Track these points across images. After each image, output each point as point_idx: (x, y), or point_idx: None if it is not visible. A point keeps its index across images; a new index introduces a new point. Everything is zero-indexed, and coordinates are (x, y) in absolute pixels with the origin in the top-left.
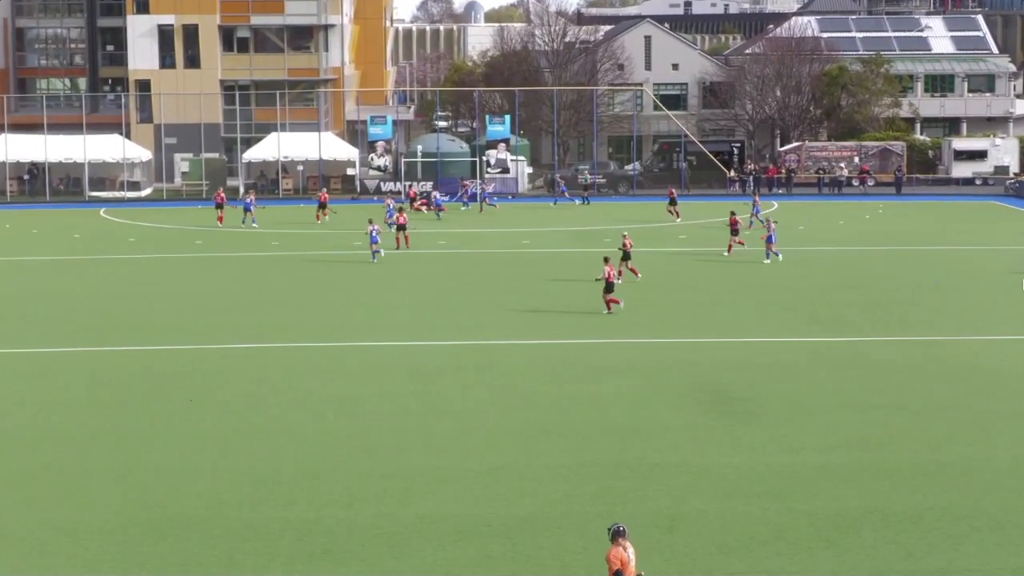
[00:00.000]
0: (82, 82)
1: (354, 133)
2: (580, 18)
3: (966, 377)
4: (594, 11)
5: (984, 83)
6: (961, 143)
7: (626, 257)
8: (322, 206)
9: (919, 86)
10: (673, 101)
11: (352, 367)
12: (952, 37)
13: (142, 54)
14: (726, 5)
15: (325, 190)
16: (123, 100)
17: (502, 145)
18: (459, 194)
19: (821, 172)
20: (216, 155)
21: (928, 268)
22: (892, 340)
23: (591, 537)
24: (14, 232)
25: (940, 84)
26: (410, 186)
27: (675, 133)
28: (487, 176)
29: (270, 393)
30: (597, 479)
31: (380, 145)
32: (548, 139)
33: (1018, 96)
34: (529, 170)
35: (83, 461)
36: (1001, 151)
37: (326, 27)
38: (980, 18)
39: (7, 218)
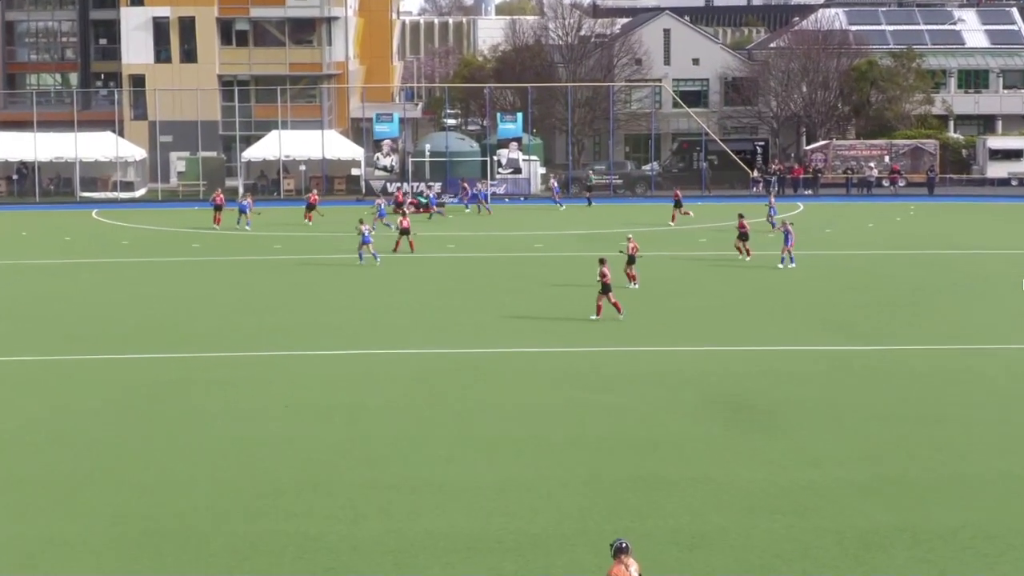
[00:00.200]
0: (73, 77)
1: (359, 131)
2: (596, 10)
3: (996, 387)
4: (610, 3)
5: (1020, 79)
6: (996, 142)
7: (631, 261)
8: (310, 207)
9: (952, 82)
10: (693, 98)
11: (356, 374)
12: (986, 31)
13: (136, 48)
14: None
15: (315, 191)
16: (116, 96)
17: (514, 144)
18: (459, 196)
19: (849, 172)
20: (214, 154)
21: (960, 273)
22: (919, 348)
23: (606, 556)
24: (2, 234)
25: (974, 80)
26: (398, 187)
27: (695, 131)
28: (483, 177)
29: (270, 401)
30: (612, 494)
31: (386, 144)
32: (562, 138)
33: None
34: (542, 170)
35: (76, 472)
36: None
37: (329, 20)
38: (1015, 11)
39: None
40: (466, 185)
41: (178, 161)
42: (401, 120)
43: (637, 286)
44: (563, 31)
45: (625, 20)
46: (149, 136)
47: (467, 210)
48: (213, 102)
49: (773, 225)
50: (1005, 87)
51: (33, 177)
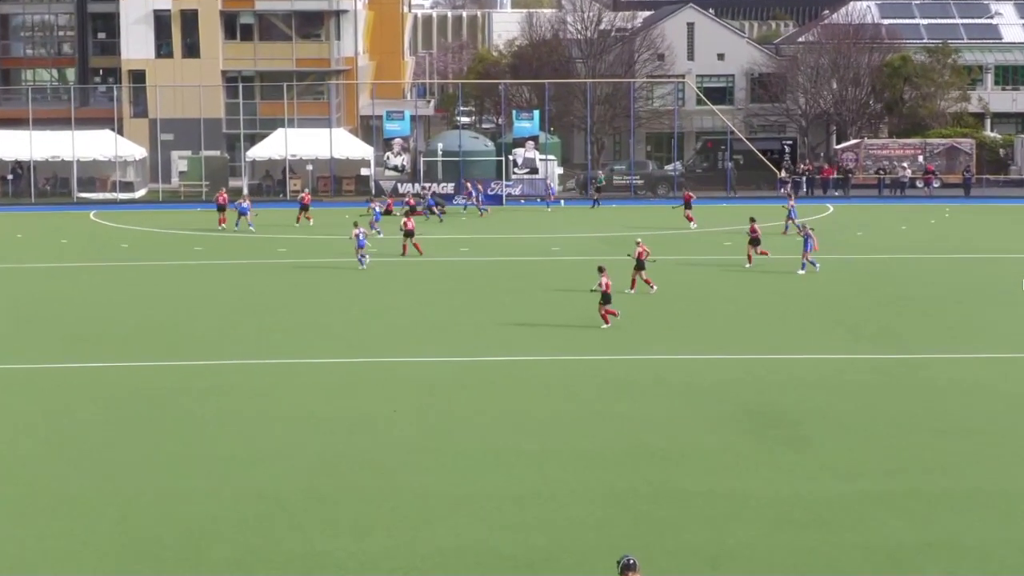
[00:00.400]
0: (71, 73)
1: (368, 130)
2: (616, 3)
3: None
4: None
5: None
6: None
7: (639, 267)
8: (303, 208)
9: (989, 78)
10: (718, 94)
11: (362, 383)
12: None
13: (136, 42)
14: None
15: (307, 191)
16: (115, 93)
17: (530, 143)
18: (463, 197)
19: (881, 172)
20: (217, 153)
21: (996, 279)
22: (951, 357)
23: None
24: None
25: (1012, 76)
26: (423, 187)
27: (720, 130)
28: (485, 177)
29: (273, 410)
30: (631, 508)
31: (397, 143)
32: (581, 136)
33: None
34: (560, 170)
35: (72, 482)
36: None
37: (338, 13)
38: None
39: None
40: (469, 186)
41: (180, 161)
42: (412, 118)
43: (655, 288)
44: (582, 25)
45: (647, 13)
46: (149, 134)
47: (482, 213)
48: (216, 99)
49: (786, 228)
50: None
51: (29, 177)
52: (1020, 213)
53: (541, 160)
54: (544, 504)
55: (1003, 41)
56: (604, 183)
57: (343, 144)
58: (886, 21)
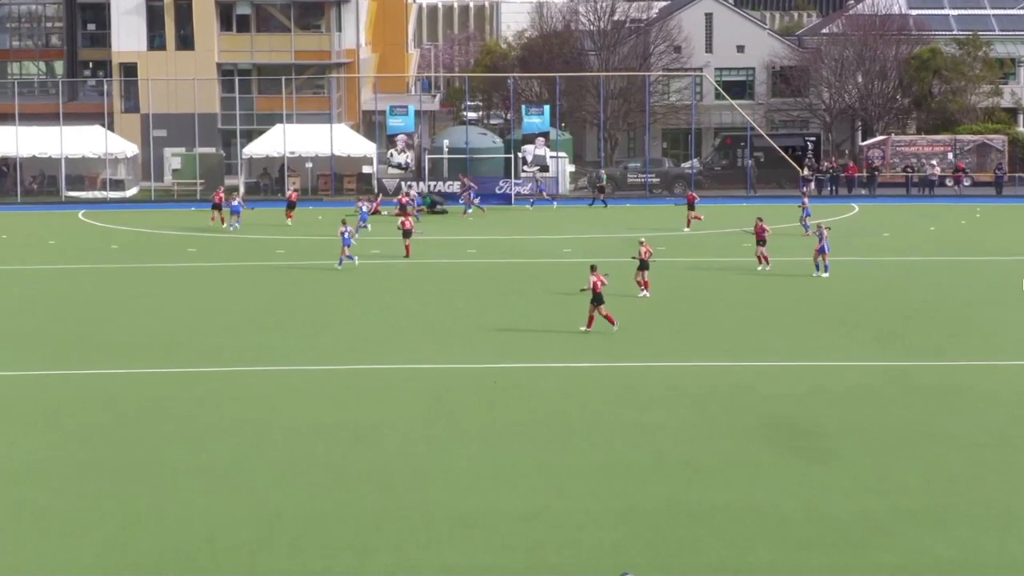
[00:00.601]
0: (59, 66)
1: (371, 125)
2: None
3: None
4: None
5: None
6: None
7: (643, 267)
8: (291, 206)
9: (1022, 71)
10: (738, 89)
11: (366, 392)
12: None
13: (128, 34)
14: None
15: (294, 188)
16: (106, 86)
17: (540, 139)
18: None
19: (909, 170)
20: (212, 150)
21: None
22: (984, 364)
23: None
24: None
25: None
26: (409, 187)
27: (740, 125)
28: (470, 175)
29: (272, 420)
30: (649, 524)
31: (400, 139)
32: (593, 133)
33: None
34: (571, 168)
35: (58, 500)
36: None
37: (339, 3)
38: None
39: None
40: (465, 181)
41: (173, 158)
42: (417, 113)
43: (647, 294)
44: (595, 15)
45: (663, 3)
46: (141, 130)
47: (465, 213)
48: (211, 93)
49: (806, 228)
50: None
51: (14, 175)
52: None
53: (552, 157)
54: (556, 520)
55: None
56: (606, 181)
57: (344, 141)
58: (914, 11)
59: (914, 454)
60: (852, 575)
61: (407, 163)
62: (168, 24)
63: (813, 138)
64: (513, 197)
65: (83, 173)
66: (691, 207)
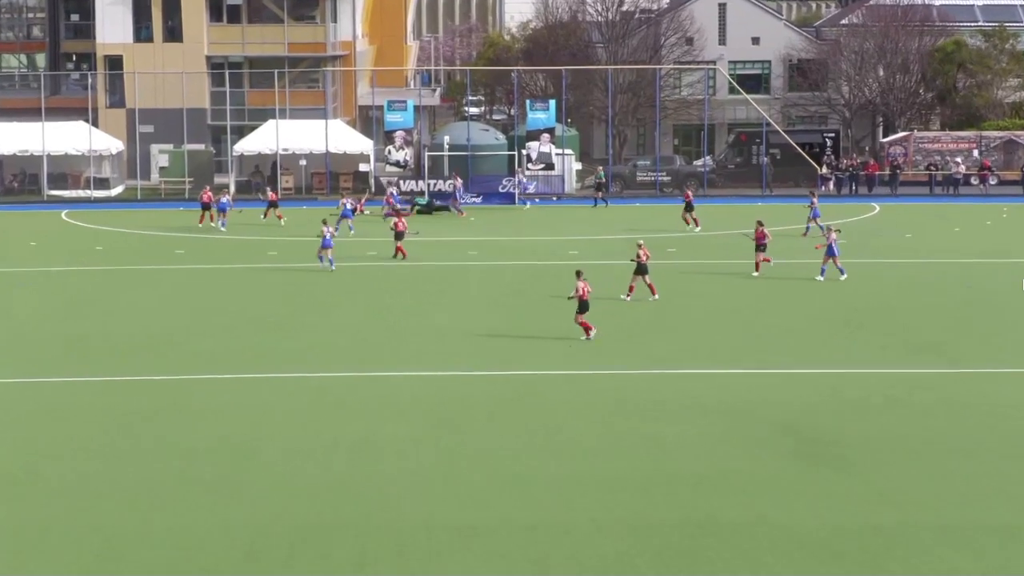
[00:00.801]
0: (40, 59)
1: (368, 121)
2: None
3: None
4: None
5: None
6: None
7: (641, 271)
8: (273, 205)
9: None
10: (753, 82)
11: (364, 402)
12: None
13: (113, 25)
14: None
15: (271, 189)
16: (90, 80)
17: (546, 136)
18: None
19: (932, 168)
20: (201, 147)
21: None
22: (1010, 372)
23: None
24: None
25: None
26: (387, 183)
27: (755, 121)
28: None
29: (266, 431)
30: (658, 538)
31: (399, 136)
32: (601, 129)
33: None
34: (578, 166)
35: (39, 516)
36: None
37: None
38: None
39: None
40: (458, 181)
41: (160, 155)
42: (416, 108)
43: (628, 298)
44: (603, 6)
45: None
46: (127, 126)
47: (455, 212)
48: (201, 87)
49: (819, 229)
50: None
51: None
52: None
53: (558, 155)
54: (563, 536)
55: None
56: (604, 179)
57: (340, 137)
58: (937, 2)
59: (932, 464)
60: None
61: (406, 161)
62: (155, 15)
63: (832, 134)
64: (517, 196)
65: (66, 171)
66: (689, 208)
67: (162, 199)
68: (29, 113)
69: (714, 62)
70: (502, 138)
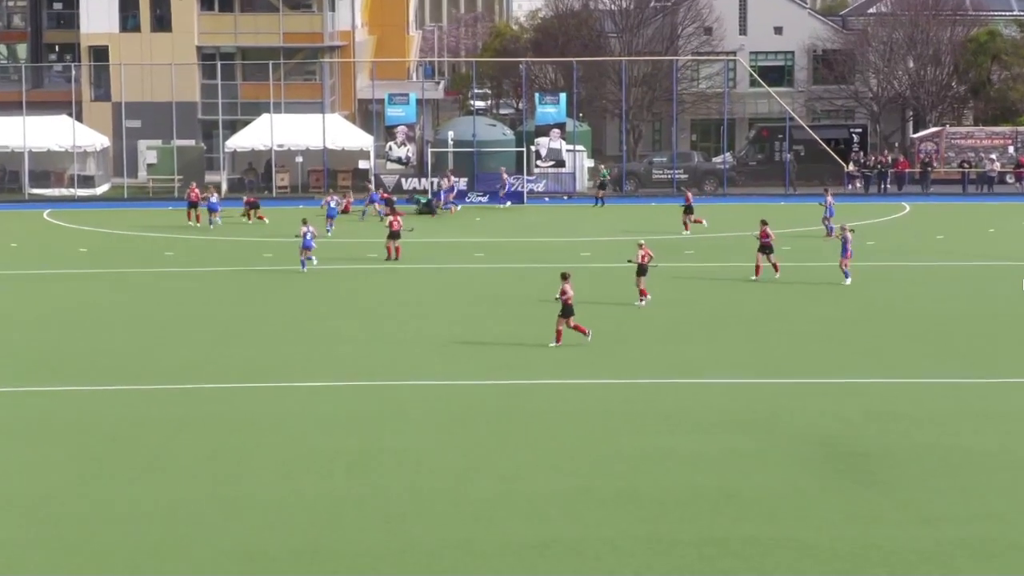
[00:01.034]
0: (22, 49)
1: (367, 116)
2: None
3: None
4: None
5: None
6: None
7: (641, 272)
8: (254, 206)
9: None
10: (775, 75)
11: (364, 413)
12: None
13: (98, 14)
14: None
15: (246, 197)
16: (73, 72)
17: (556, 131)
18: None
19: (966, 165)
20: (192, 143)
21: None
22: None
23: None
24: None
25: None
26: (368, 183)
27: (777, 116)
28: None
29: (259, 446)
30: (676, 558)
31: (400, 131)
32: (614, 124)
33: None
34: (590, 163)
35: (17, 537)
36: None
37: None
38: None
39: None
40: (452, 179)
41: (148, 151)
42: (419, 102)
43: (647, 301)
44: None
45: None
46: (113, 121)
47: (448, 209)
48: (191, 80)
49: (829, 230)
50: None
51: None
52: None
53: (568, 151)
54: (574, 555)
55: None
56: (608, 177)
57: (338, 132)
58: None
59: (966, 479)
60: None
61: (408, 158)
62: (143, 3)
63: (859, 130)
64: (525, 195)
65: (48, 168)
66: (688, 209)
67: (150, 198)
68: (9, 107)
69: (734, 53)
70: (510, 134)
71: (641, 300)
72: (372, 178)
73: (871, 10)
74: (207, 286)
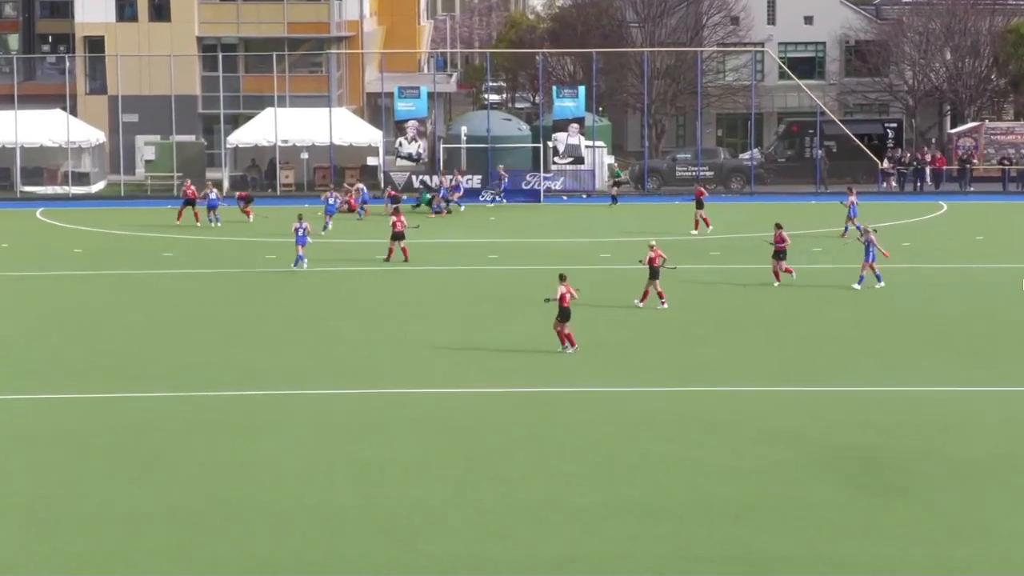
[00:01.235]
0: (13, 40)
1: (376, 110)
2: None
3: None
4: None
5: None
6: None
7: (653, 275)
8: (247, 201)
9: None
10: (806, 67)
11: (370, 421)
12: None
13: (93, 3)
14: None
15: (241, 192)
16: (67, 64)
17: (574, 126)
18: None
19: (1006, 162)
20: (192, 138)
21: None
22: None
23: None
24: None
25: None
26: (353, 182)
27: (808, 109)
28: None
29: (261, 455)
30: (696, 573)
31: (411, 126)
32: (636, 118)
33: None
34: (610, 159)
35: (8, 547)
36: None
37: None
38: None
39: None
40: (459, 178)
41: (146, 147)
42: (430, 95)
43: (643, 305)
44: None
45: None
46: (109, 115)
47: (439, 212)
48: (191, 72)
49: (857, 229)
50: None
51: None
52: None
53: (587, 147)
54: (593, 571)
55: None
56: (622, 176)
57: (345, 127)
58: None
59: (1005, 492)
60: None
61: (419, 154)
62: None
63: (894, 125)
64: (542, 194)
65: (41, 165)
66: (700, 205)
67: (148, 196)
68: (0, 101)
69: (762, 44)
70: (526, 129)
71: (641, 301)
72: (381, 175)
73: None
74: (208, 288)
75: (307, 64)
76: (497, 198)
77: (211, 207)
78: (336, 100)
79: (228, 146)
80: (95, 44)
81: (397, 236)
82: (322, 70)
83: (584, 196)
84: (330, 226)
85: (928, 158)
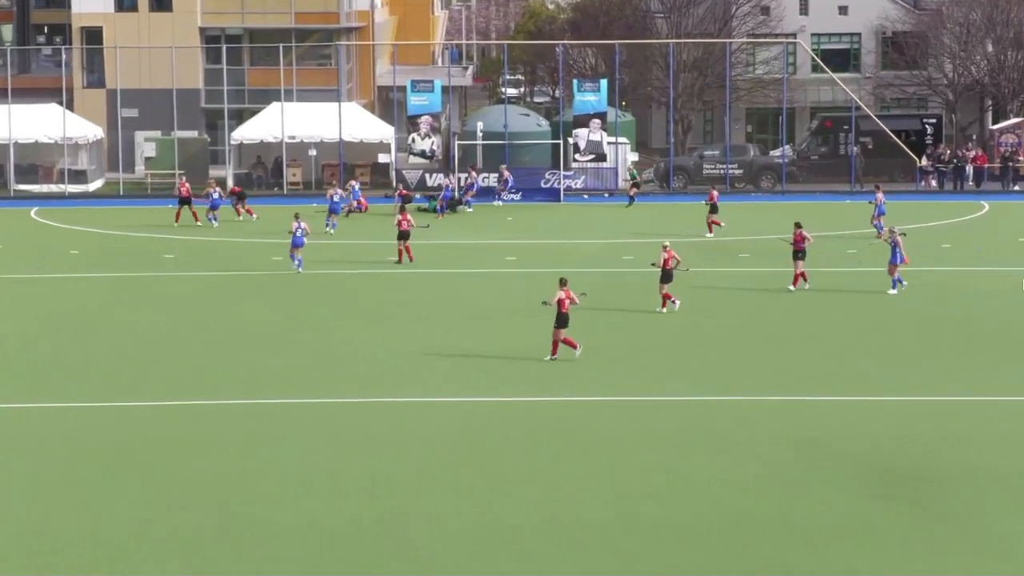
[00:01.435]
0: (7, 31)
1: (388, 104)
2: None
3: None
4: None
5: None
6: None
7: (666, 278)
8: (241, 198)
9: None
10: (840, 59)
11: (380, 432)
12: None
13: None
14: None
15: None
16: (64, 56)
17: (596, 122)
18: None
19: None
20: (194, 134)
21: None
22: None
23: None
24: None
25: None
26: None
27: (842, 104)
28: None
29: (266, 467)
30: None
31: (424, 121)
32: (661, 113)
33: None
34: (633, 157)
35: (2, 556)
36: None
37: None
38: None
39: None
40: (474, 175)
41: (146, 143)
42: (444, 89)
43: (674, 307)
44: None
45: None
46: (108, 110)
47: (441, 214)
48: (193, 64)
49: (879, 230)
50: None
51: None
52: None
53: (610, 143)
54: None
55: None
56: (638, 177)
57: (356, 123)
58: None
59: None
60: None
61: (432, 151)
62: None
63: (933, 120)
64: (562, 193)
65: (36, 162)
66: (713, 209)
67: (148, 195)
68: None
69: (794, 35)
70: (545, 124)
71: (664, 307)
72: (392, 173)
73: None
74: (209, 291)
75: (315, 56)
76: (501, 199)
77: (213, 207)
78: (346, 94)
79: (232, 142)
80: (93, 35)
81: (403, 235)
82: (331, 63)
83: (606, 195)
84: (336, 225)
85: (969, 155)
